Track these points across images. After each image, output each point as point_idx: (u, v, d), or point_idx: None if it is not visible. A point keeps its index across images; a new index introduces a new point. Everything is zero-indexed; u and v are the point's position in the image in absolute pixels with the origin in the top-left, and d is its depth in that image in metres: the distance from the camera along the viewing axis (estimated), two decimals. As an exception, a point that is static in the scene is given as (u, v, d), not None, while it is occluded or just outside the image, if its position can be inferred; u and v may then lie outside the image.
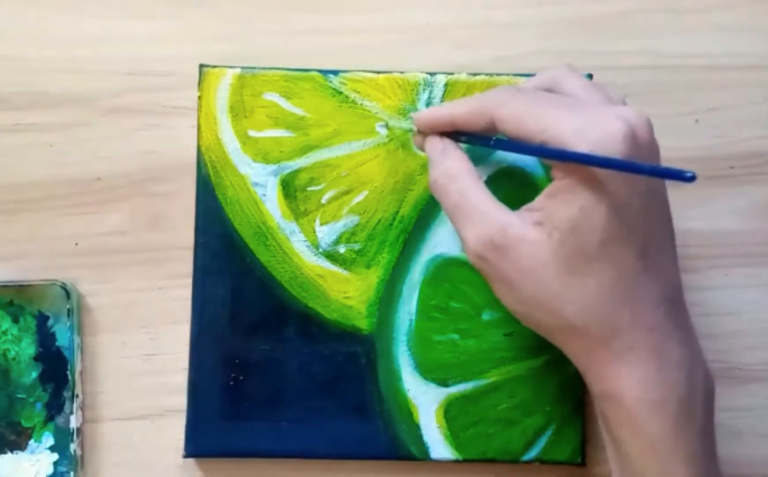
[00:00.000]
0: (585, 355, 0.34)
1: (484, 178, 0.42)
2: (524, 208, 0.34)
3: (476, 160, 0.42)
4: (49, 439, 0.42)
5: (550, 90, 0.36)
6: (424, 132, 0.38)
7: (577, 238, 0.32)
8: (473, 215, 0.34)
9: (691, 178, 0.30)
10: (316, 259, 0.42)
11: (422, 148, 0.38)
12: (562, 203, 0.33)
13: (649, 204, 0.34)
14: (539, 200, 0.34)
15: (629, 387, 0.33)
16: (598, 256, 0.32)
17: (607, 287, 0.33)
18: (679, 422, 0.33)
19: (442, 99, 0.42)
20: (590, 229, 0.32)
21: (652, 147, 0.34)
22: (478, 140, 0.37)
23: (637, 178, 0.32)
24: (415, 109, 0.42)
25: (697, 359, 0.34)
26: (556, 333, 0.35)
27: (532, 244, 0.33)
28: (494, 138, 0.36)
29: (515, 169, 0.42)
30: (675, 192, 0.43)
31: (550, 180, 0.34)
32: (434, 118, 0.37)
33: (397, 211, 0.42)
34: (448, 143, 0.37)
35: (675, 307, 0.34)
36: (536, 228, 0.33)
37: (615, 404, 0.34)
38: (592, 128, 0.32)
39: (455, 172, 0.35)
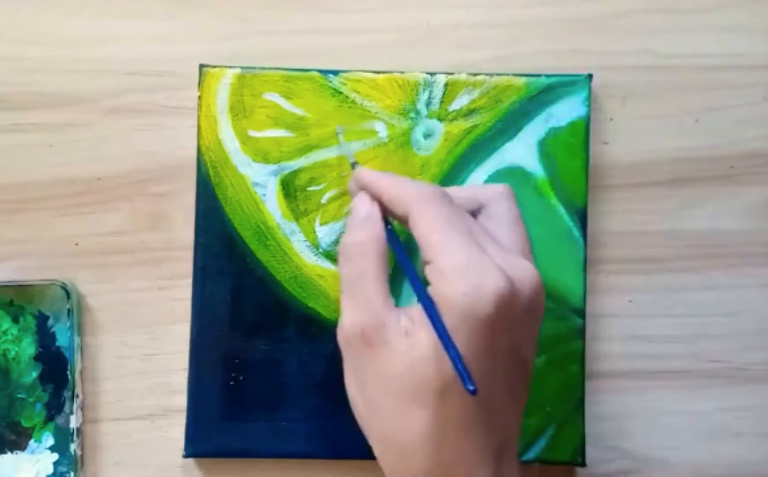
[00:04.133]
0: (392, 473, 0.33)
1: (485, 177, 0.42)
2: (412, 307, 0.33)
3: (479, 157, 0.42)
4: (49, 439, 0.42)
5: (480, 207, 0.36)
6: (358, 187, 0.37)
7: (425, 368, 0.31)
8: (360, 301, 0.33)
9: (472, 391, 0.29)
10: (316, 259, 0.42)
11: (352, 192, 0.37)
12: (425, 326, 0.32)
13: (511, 357, 0.33)
14: (416, 307, 0.33)
15: None
16: (438, 394, 0.31)
17: (438, 425, 0.32)
18: None
19: (442, 99, 0.42)
20: (438, 368, 0.31)
21: (533, 311, 0.33)
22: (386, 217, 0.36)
23: (502, 337, 0.32)
24: (415, 110, 0.42)
25: None
26: (378, 444, 0.34)
27: (392, 353, 0.32)
28: (390, 225, 0.35)
29: (515, 168, 0.42)
30: (675, 191, 0.44)
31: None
32: (369, 184, 0.36)
33: (397, 211, 0.42)
34: (375, 212, 0.35)
35: (501, 456, 0.33)
36: (402, 338, 0.32)
37: None
38: (473, 273, 0.31)
39: (365, 251, 0.34)
